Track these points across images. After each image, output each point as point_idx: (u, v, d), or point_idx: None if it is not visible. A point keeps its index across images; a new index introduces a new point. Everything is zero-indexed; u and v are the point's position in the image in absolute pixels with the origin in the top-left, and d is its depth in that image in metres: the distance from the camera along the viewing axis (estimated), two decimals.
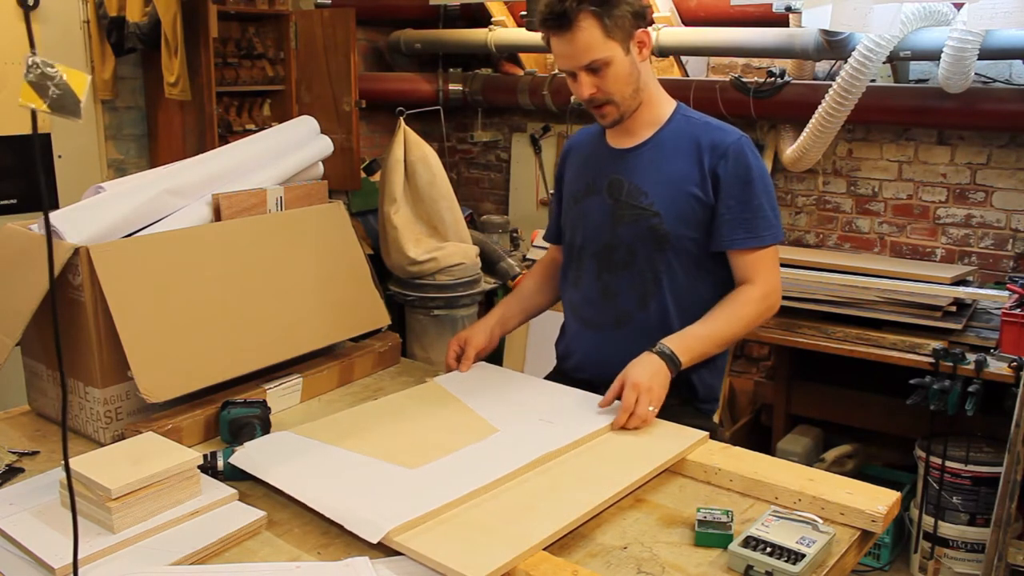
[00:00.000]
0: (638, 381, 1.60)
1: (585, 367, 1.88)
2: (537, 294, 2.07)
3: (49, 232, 0.88)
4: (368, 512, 1.27)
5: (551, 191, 4.21)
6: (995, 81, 3.28)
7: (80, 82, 0.89)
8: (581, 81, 1.70)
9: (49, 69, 0.87)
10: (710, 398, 1.87)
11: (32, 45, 0.85)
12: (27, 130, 3.17)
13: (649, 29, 1.75)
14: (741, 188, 1.72)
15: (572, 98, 4.01)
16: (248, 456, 1.49)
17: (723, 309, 1.74)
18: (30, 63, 0.86)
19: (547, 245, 2.13)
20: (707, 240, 1.77)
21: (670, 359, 1.65)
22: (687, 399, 1.82)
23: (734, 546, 1.23)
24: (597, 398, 1.70)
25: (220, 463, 1.49)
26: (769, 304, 1.76)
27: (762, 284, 1.74)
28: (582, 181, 1.90)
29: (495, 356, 3.85)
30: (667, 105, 1.82)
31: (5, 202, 3.27)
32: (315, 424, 1.64)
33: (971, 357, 2.70)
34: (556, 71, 4.30)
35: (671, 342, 1.68)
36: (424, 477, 1.41)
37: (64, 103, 0.89)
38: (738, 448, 1.57)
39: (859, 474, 3.18)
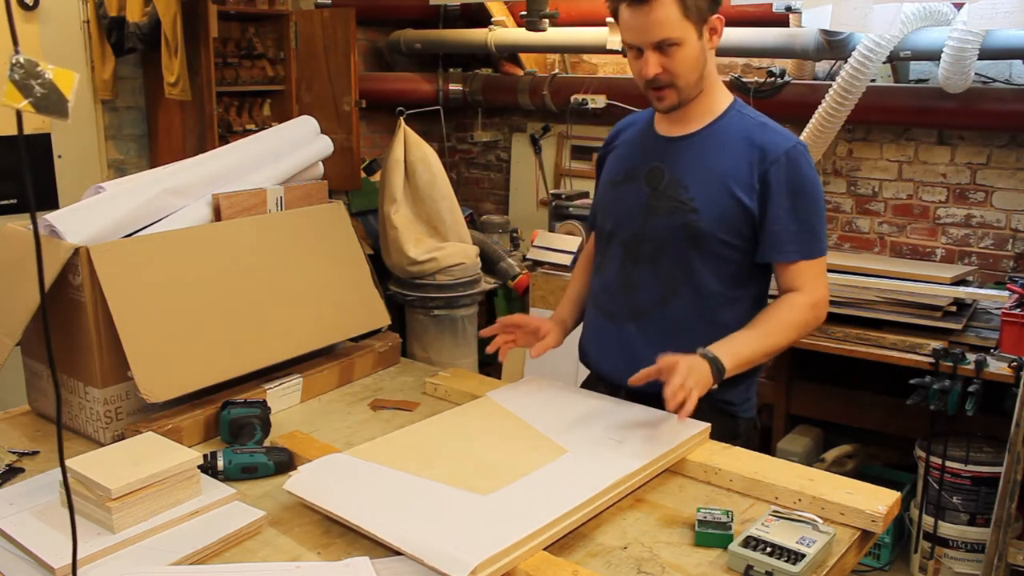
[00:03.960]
0: (677, 358, 1.51)
1: (602, 360, 1.80)
2: (587, 288, 1.95)
3: (37, 234, 0.87)
4: (449, 546, 1.18)
5: (551, 191, 4.23)
6: (995, 81, 3.28)
7: (67, 81, 0.87)
8: (648, 59, 1.60)
9: (34, 68, 0.85)
10: (741, 399, 1.77)
11: (15, 43, 0.84)
12: (26, 130, 3.18)
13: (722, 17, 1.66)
14: (791, 198, 1.63)
15: (572, 97, 4.02)
16: (304, 481, 1.39)
17: (770, 315, 1.66)
18: (14, 62, 0.84)
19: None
20: (747, 247, 1.68)
21: (713, 361, 1.55)
22: (719, 407, 1.72)
23: (734, 546, 1.23)
24: (663, 414, 1.59)
25: (220, 463, 1.49)
26: (817, 314, 1.67)
27: (810, 293, 1.65)
28: (622, 166, 1.80)
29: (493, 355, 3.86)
30: (724, 98, 1.73)
31: (5, 202, 3.27)
32: (371, 445, 1.53)
33: (971, 357, 2.69)
34: (554, 72, 4.30)
35: (714, 347, 1.58)
36: (499, 504, 1.31)
37: (49, 103, 0.87)
38: (738, 448, 1.57)
39: (859, 474, 3.17)
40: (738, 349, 1.60)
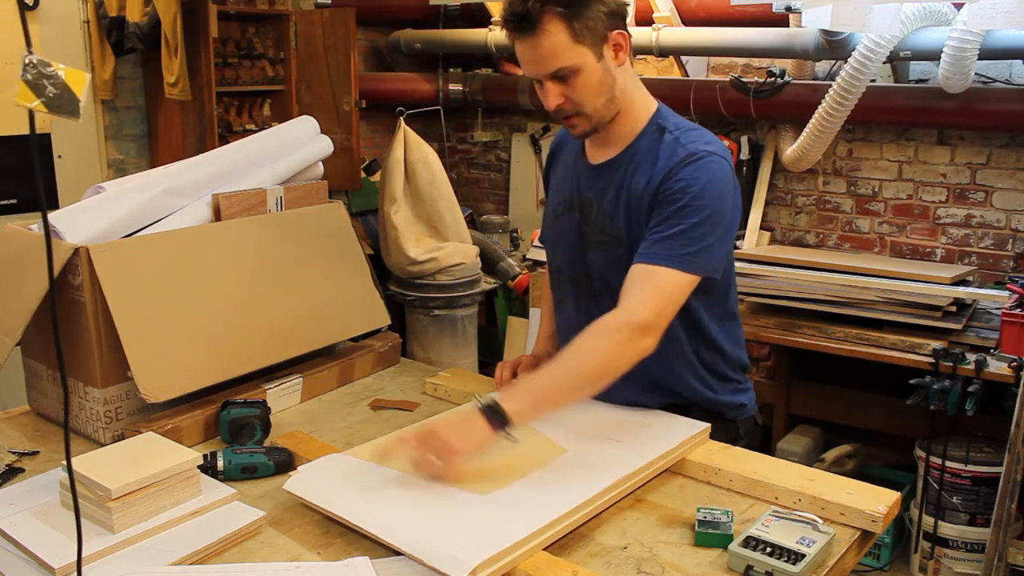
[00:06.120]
0: (426, 425, 1.37)
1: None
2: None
3: (48, 233, 0.87)
4: (448, 546, 1.18)
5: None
6: (995, 81, 3.28)
7: (79, 81, 0.87)
8: (548, 90, 1.51)
9: (47, 68, 0.86)
10: (736, 404, 1.73)
11: (28, 44, 0.84)
12: (27, 130, 3.18)
13: (628, 30, 1.54)
14: (674, 204, 1.50)
15: None
16: (303, 481, 1.40)
17: (572, 344, 1.48)
18: (27, 62, 0.84)
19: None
20: None
21: (488, 410, 1.38)
22: (723, 375, 1.69)
23: (734, 546, 1.23)
24: (661, 414, 1.61)
25: (220, 463, 1.49)
26: (628, 336, 1.43)
27: (627, 311, 1.46)
28: (561, 195, 1.72)
29: (496, 355, 3.86)
30: (645, 112, 1.61)
31: (5, 202, 3.27)
32: (370, 445, 1.51)
33: (971, 357, 2.69)
34: None
35: (504, 391, 1.45)
36: (499, 504, 1.31)
37: (62, 103, 0.87)
38: (738, 448, 1.57)
39: (859, 474, 3.17)
40: (522, 392, 1.44)
